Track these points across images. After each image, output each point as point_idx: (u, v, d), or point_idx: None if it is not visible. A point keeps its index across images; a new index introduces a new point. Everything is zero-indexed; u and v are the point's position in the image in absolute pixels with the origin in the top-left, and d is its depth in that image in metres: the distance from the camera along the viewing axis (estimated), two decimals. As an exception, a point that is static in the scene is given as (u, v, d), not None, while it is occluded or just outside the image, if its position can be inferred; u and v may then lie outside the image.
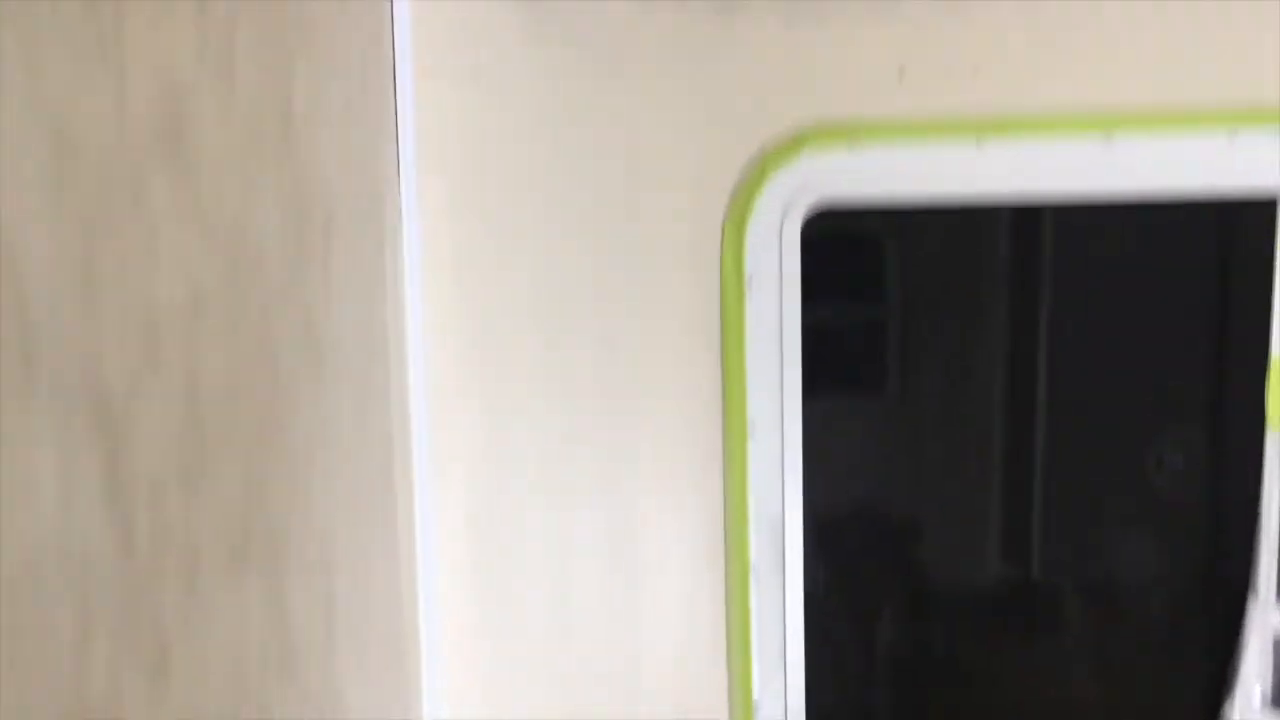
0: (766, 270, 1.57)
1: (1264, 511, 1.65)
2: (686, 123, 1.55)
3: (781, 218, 1.57)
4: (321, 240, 1.15)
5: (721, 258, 1.56)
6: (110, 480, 0.65)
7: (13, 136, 0.55)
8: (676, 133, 1.55)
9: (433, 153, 1.55)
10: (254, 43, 0.84)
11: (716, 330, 1.56)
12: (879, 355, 2.83)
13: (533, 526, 1.60)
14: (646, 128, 1.55)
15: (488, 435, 1.59)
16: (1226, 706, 1.74)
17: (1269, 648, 1.69)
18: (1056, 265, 2.55)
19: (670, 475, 1.58)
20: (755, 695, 1.63)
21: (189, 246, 0.76)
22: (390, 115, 1.50)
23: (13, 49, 0.54)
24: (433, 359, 1.56)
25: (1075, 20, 1.56)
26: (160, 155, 0.71)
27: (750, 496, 1.59)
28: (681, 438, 1.58)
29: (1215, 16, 1.54)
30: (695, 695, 1.63)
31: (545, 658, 1.62)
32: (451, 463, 1.58)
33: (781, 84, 1.55)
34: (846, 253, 1.82)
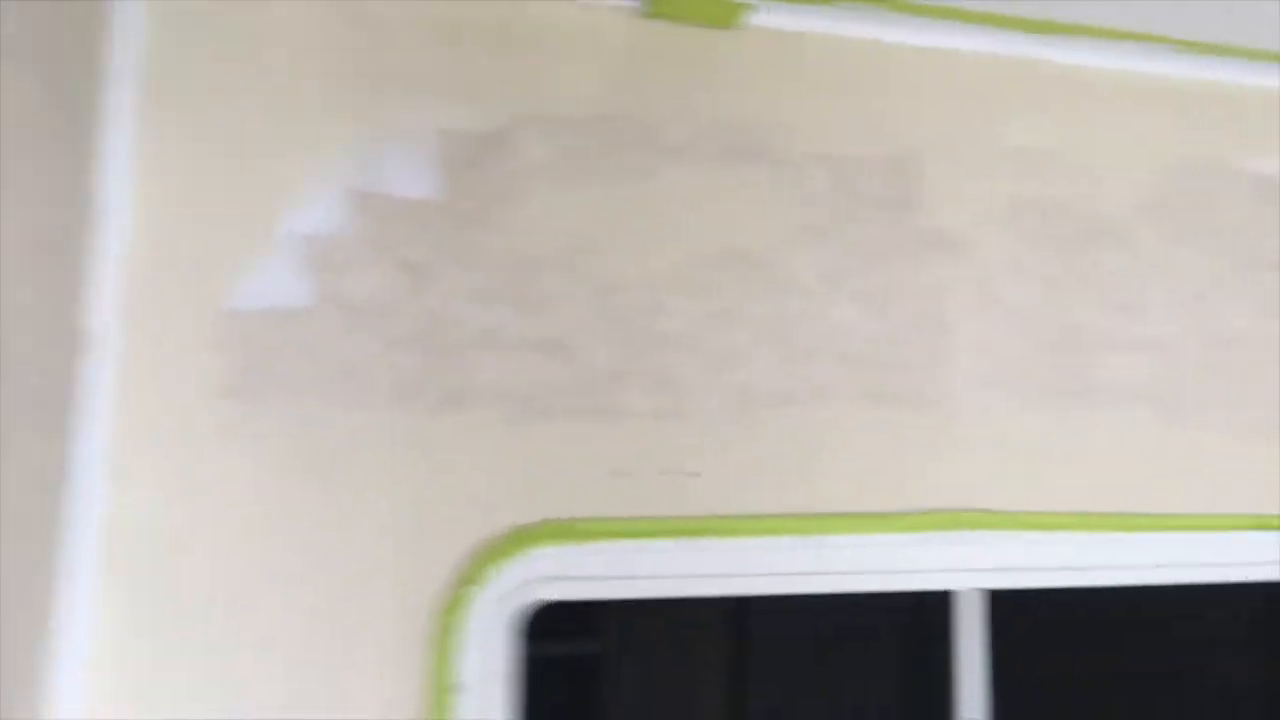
0: (476, 679, 1.51)
1: None
2: (400, 523, 1.50)
3: (495, 620, 1.52)
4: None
5: (430, 664, 1.48)
6: None
7: None
8: (392, 533, 1.49)
9: (118, 558, 1.42)
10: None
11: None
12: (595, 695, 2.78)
13: None
14: (357, 528, 1.49)
15: None
16: None
17: None
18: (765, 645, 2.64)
19: None
20: None
21: None
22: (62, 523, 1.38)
23: None
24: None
25: (785, 429, 1.64)
26: None
27: None
28: None
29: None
30: None
31: None
32: None
33: (498, 483, 1.54)
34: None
